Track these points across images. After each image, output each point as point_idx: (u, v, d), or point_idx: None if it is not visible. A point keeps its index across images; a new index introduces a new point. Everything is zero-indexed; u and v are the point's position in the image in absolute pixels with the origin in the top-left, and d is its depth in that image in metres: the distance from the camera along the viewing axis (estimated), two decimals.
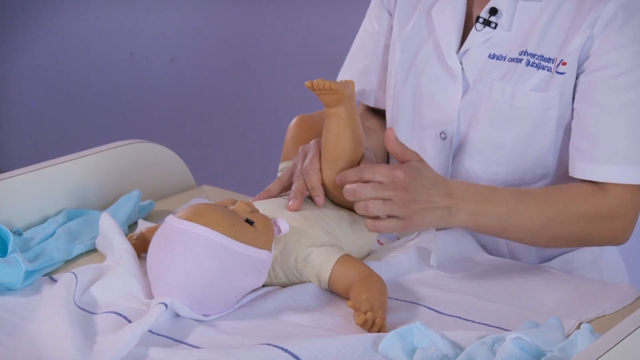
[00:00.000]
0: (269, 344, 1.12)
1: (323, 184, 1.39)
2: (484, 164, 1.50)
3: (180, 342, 1.17)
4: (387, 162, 1.68)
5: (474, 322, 1.24)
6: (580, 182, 1.43)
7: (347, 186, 1.32)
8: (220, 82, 3.41)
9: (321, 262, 1.30)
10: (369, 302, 1.21)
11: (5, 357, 1.14)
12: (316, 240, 1.32)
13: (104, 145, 1.67)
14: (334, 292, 1.31)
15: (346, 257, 1.31)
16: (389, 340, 1.11)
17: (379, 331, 1.18)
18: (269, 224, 1.28)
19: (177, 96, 3.49)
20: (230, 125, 3.41)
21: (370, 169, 1.31)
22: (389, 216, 1.32)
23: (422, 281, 1.36)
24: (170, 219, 1.25)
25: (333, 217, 1.38)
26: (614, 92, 1.39)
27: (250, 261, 1.24)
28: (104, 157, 1.64)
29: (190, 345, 1.16)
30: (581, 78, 1.42)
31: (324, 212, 1.38)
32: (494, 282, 1.36)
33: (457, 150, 1.53)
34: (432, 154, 1.55)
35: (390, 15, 1.63)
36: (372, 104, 1.68)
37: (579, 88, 1.43)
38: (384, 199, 1.30)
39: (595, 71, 1.41)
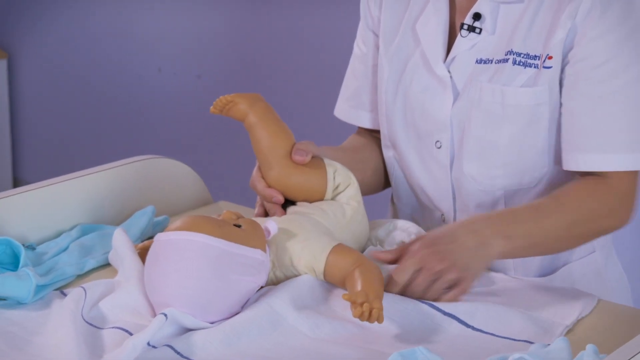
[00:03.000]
0: None
1: (274, 188, 1.43)
2: (482, 168, 1.50)
3: (182, 356, 1.18)
4: (385, 182, 1.69)
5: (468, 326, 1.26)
6: (578, 180, 1.44)
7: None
8: None
9: (314, 254, 1.30)
10: (364, 293, 1.21)
11: None
12: (306, 234, 1.33)
13: (120, 161, 1.68)
14: (330, 282, 1.31)
15: (340, 247, 1.31)
16: None
17: (377, 321, 1.19)
18: (257, 226, 1.29)
19: (199, 112, 3.49)
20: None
21: (398, 273, 1.31)
22: (446, 288, 1.32)
23: None
24: (157, 236, 1.26)
25: (314, 210, 1.39)
26: (597, 81, 1.40)
27: (244, 260, 1.24)
28: (119, 173, 1.65)
29: None
30: (566, 70, 1.43)
31: (305, 212, 1.39)
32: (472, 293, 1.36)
33: (454, 158, 1.53)
34: (431, 165, 1.55)
35: (376, 35, 1.63)
36: (368, 126, 1.68)
37: (564, 81, 1.44)
38: (433, 281, 1.31)
39: (578, 62, 1.41)
